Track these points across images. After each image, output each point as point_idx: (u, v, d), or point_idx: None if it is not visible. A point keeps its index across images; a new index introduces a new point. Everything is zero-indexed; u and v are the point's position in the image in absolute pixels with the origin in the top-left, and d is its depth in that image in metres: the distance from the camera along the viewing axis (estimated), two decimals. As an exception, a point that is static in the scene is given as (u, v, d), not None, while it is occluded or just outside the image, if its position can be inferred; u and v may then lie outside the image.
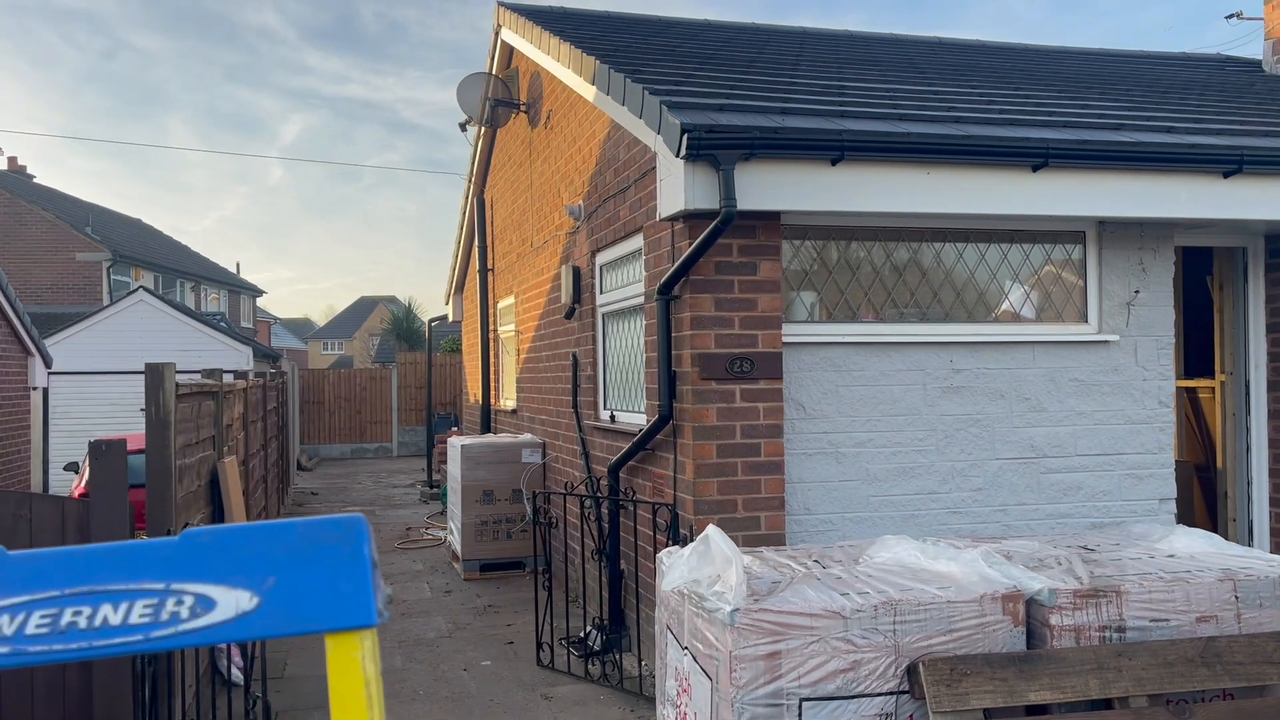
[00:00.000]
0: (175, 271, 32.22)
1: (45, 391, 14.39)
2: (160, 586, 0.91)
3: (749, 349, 5.66)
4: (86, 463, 10.70)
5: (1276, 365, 6.88)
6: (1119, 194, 5.81)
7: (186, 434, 5.47)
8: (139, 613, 0.90)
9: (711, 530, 3.73)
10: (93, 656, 0.89)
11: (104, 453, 4.33)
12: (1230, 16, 10.98)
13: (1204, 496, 8.21)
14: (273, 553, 0.94)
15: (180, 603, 0.91)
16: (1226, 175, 5.89)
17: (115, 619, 0.89)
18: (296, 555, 0.95)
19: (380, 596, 0.96)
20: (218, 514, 6.37)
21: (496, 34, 10.80)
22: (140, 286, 19.96)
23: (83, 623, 0.88)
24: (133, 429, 15.89)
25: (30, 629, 0.88)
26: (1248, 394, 7.03)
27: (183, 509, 5.32)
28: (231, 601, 0.91)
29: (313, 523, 0.98)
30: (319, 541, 0.96)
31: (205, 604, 0.91)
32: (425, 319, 26.13)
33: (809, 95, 6.39)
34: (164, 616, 0.90)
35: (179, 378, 5.00)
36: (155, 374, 4.71)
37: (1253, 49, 10.73)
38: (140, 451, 5.25)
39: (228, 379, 8.38)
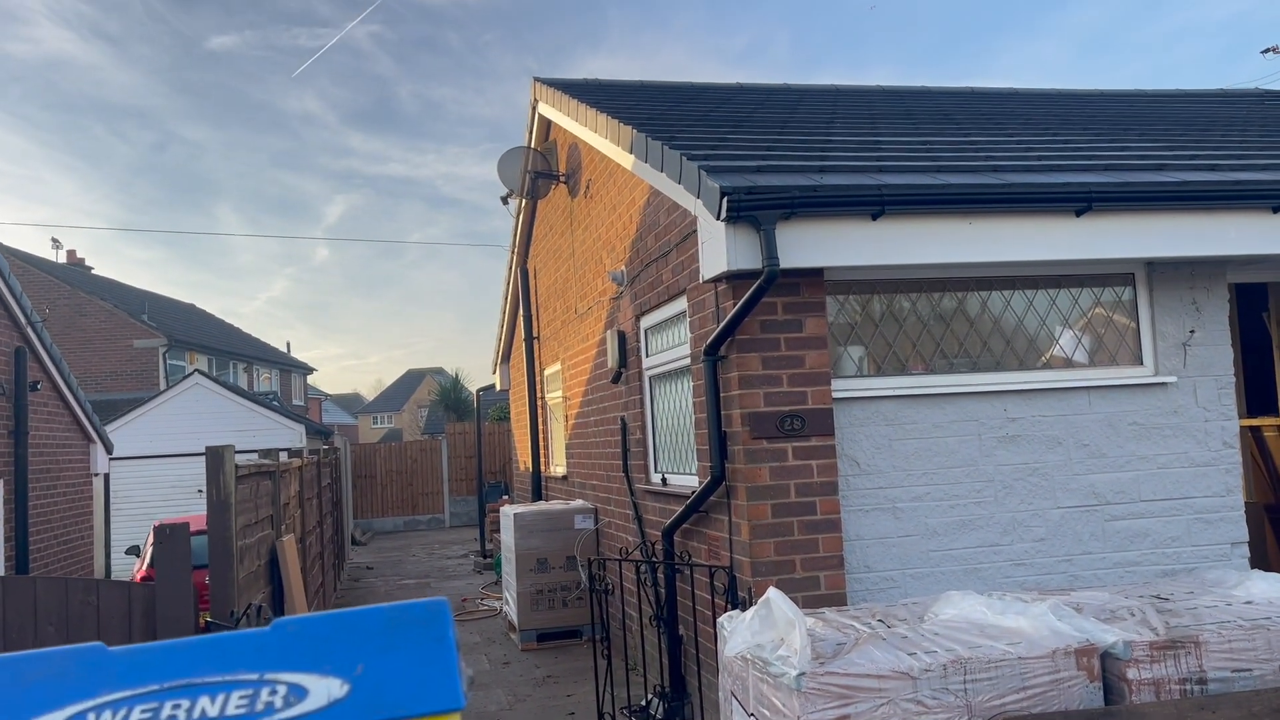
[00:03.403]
0: (228, 353, 32.92)
1: (106, 477, 14.69)
2: (254, 677, 0.93)
3: (799, 406, 5.64)
4: (149, 546, 10.87)
5: (1343, 399, 6.70)
6: (1166, 234, 5.76)
7: (246, 514, 5.55)
8: (235, 703, 0.92)
9: (772, 593, 3.69)
10: (193, 747, 0.90)
11: (168, 537, 4.40)
12: (1266, 51, 10.95)
13: (1276, 538, 7.96)
14: (361, 639, 0.96)
15: (274, 692, 0.93)
16: (1276, 210, 5.82)
17: (213, 710, 0.91)
18: (384, 641, 0.96)
19: (464, 679, 0.97)
20: (277, 592, 6.43)
21: (534, 108, 11.05)
22: (195, 370, 20.41)
23: (182, 715, 0.90)
24: (192, 510, 16.14)
25: (132, 722, 0.90)
26: (1315, 430, 6.84)
27: (244, 589, 5.38)
28: (324, 689, 0.93)
29: (398, 608, 1.00)
30: (405, 626, 0.97)
31: (298, 693, 0.93)
32: (472, 389, 26.39)
33: (845, 152, 6.45)
34: (259, 706, 0.92)
35: (237, 458, 5.10)
36: (215, 457, 4.80)
37: (1291, 81, 10.65)
38: (201, 533, 5.33)
39: (283, 458, 8.52)
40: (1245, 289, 7.51)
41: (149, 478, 18.16)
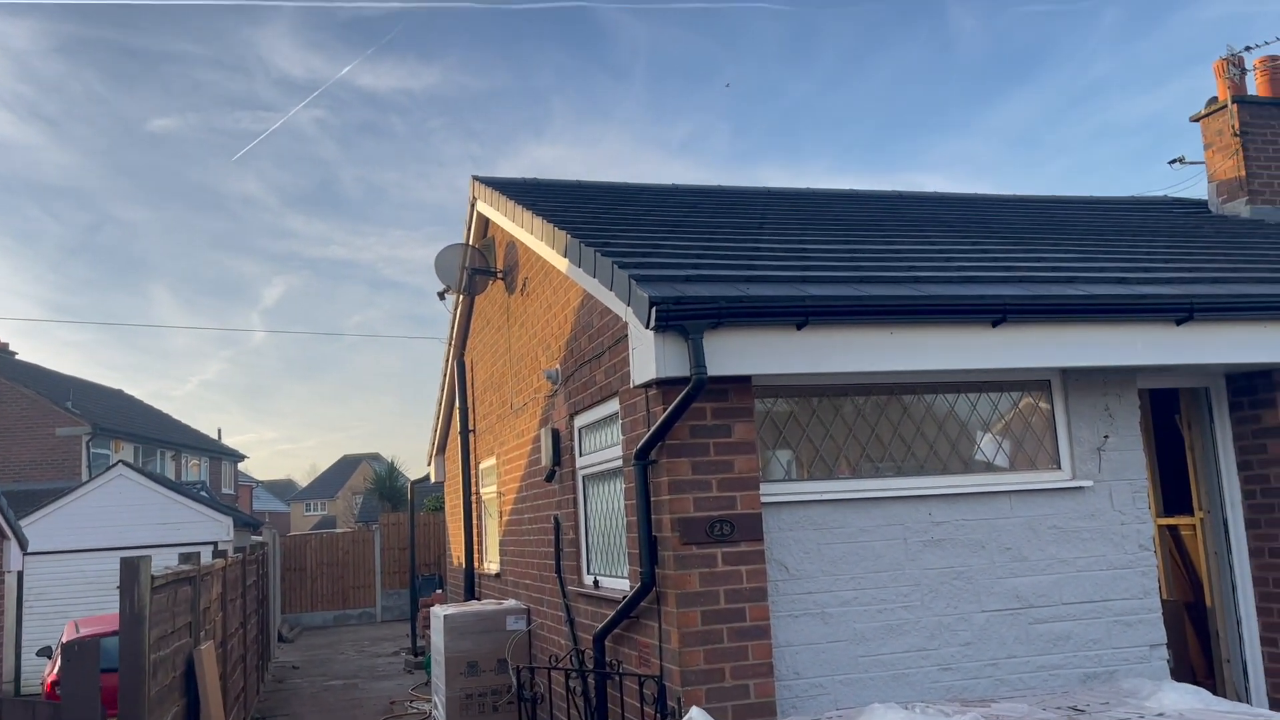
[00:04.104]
0: (155, 441, 32.10)
1: (20, 575, 14.11)
2: None
3: (728, 511, 5.68)
4: (59, 649, 10.41)
5: (1253, 503, 6.94)
6: (1078, 345, 5.99)
7: (162, 625, 5.38)
8: None
9: (695, 713, 3.67)
10: None
11: (76, 655, 4.25)
12: (1173, 161, 11.52)
13: (1197, 635, 8.12)
14: None
15: None
16: (1179, 322, 6.10)
17: None
18: None
19: None
20: (193, 706, 6.19)
21: (472, 205, 11.19)
22: (120, 461, 19.84)
23: None
24: (109, 607, 15.51)
25: None
26: (1227, 532, 7.06)
27: (156, 705, 5.19)
28: None
29: None
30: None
31: None
32: (409, 477, 25.99)
33: (773, 260, 6.63)
34: None
35: (156, 557, 4.97)
36: (131, 569, 4.68)
37: (1197, 190, 11.23)
38: (116, 633, 5.14)
39: (206, 558, 8.29)
40: (1160, 392, 7.80)
41: (68, 573, 17.46)
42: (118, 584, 4.86)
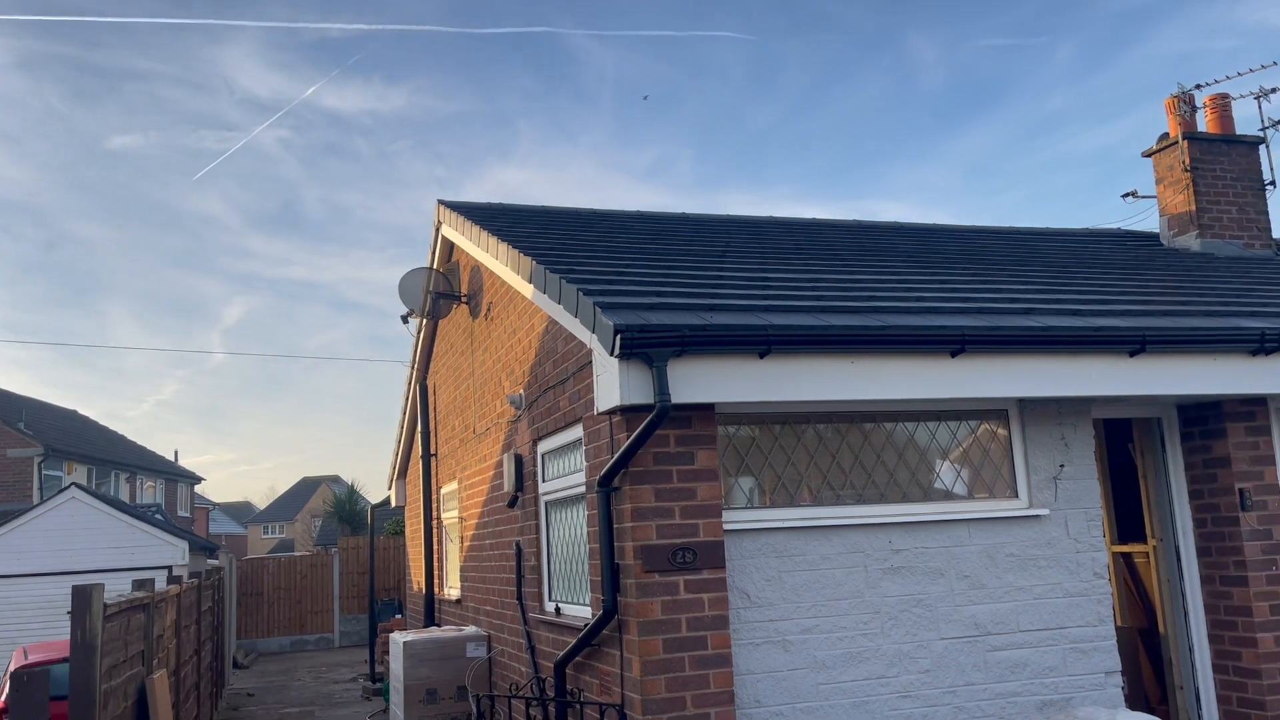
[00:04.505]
0: (110, 463, 31.53)
1: (-34, 599, 13.76)
2: None
3: (691, 539, 5.70)
4: (8, 677, 10.16)
5: (1204, 531, 7.08)
6: (1035, 375, 6.10)
7: (114, 654, 5.28)
8: None
9: (656, 743, 3.66)
10: None
11: (25, 685, 4.17)
12: (1126, 195, 11.76)
13: (1151, 661, 8.24)
14: None
15: None
16: (1132, 354, 6.23)
17: None
18: None
19: None
20: (145, 736, 6.07)
21: (437, 229, 11.18)
22: (73, 483, 19.47)
23: None
24: (59, 633, 15.16)
25: None
26: (1179, 559, 7.19)
27: (107, 736, 5.08)
28: None
29: None
30: None
31: None
32: (369, 500, 25.75)
33: (736, 289, 6.69)
34: None
35: (109, 580, 4.89)
36: (83, 596, 4.60)
37: (1149, 222, 11.50)
38: (66, 660, 5.04)
39: (160, 583, 8.16)
40: (1115, 422, 7.95)
41: (17, 598, 17.05)
42: (69, 609, 4.78)
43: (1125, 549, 8.59)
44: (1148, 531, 7.64)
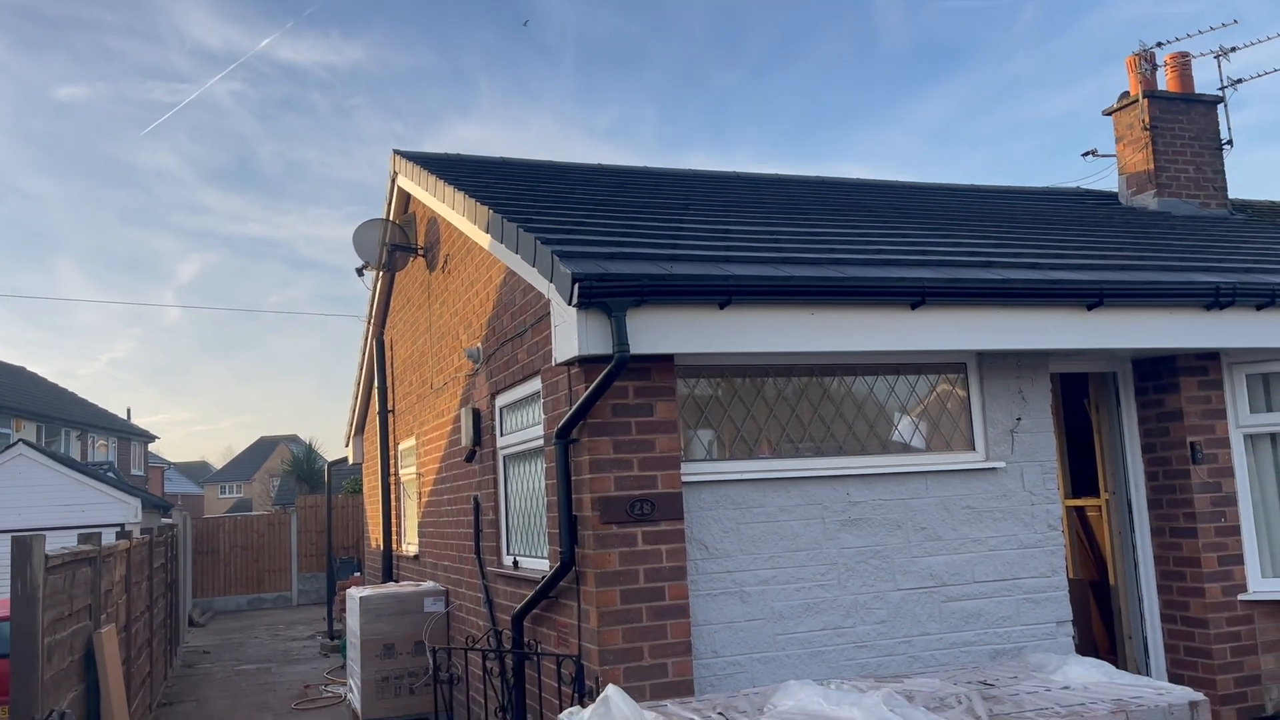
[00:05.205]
0: (60, 420, 30.94)
1: (-91, 557, 13.45)
2: None
3: (649, 490, 5.66)
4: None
5: (1155, 484, 7.17)
6: (993, 328, 6.10)
7: (58, 607, 5.16)
8: None
9: (611, 691, 3.64)
10: None
11: (-38, 638, 4.04)
12: (1087, 154, 11.79)
13: (1100, 613, 8.39)
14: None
15: None
16: (1090, 308, 6.25)
17: None
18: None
19: None
20: (92, 690, 5.96)
21: (393, 181, 10.95)
22: (20, 440, 19.07)
23: None
24: (5, 593, 14.92)
25: None
26: (1130, 512, 7.29)
27: (52, 689, 4.97)
28: None
29: None
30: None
31: None
32: (327, 459, 25.49)
33: (697, 240, 6.61)
34: None
35: (58, 539, 4.76)
36: (23, 547, 4.47)
37: (1108, 183, 11.55)
38: (9, 619, 4.92)
39: (108, 539, 7.99)
40: (1070, 377, 8.01)
41: (-39, 556, 16.74)
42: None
43: (1078, 503, 8.72)
44: (1101, 485, 7.74)
